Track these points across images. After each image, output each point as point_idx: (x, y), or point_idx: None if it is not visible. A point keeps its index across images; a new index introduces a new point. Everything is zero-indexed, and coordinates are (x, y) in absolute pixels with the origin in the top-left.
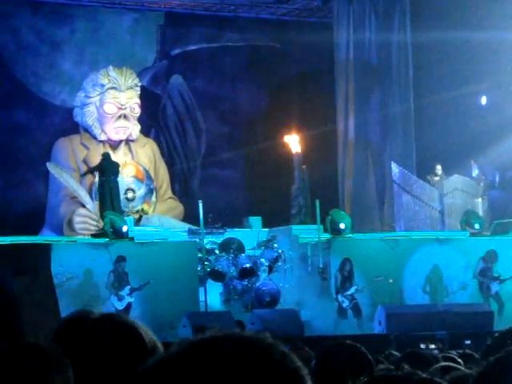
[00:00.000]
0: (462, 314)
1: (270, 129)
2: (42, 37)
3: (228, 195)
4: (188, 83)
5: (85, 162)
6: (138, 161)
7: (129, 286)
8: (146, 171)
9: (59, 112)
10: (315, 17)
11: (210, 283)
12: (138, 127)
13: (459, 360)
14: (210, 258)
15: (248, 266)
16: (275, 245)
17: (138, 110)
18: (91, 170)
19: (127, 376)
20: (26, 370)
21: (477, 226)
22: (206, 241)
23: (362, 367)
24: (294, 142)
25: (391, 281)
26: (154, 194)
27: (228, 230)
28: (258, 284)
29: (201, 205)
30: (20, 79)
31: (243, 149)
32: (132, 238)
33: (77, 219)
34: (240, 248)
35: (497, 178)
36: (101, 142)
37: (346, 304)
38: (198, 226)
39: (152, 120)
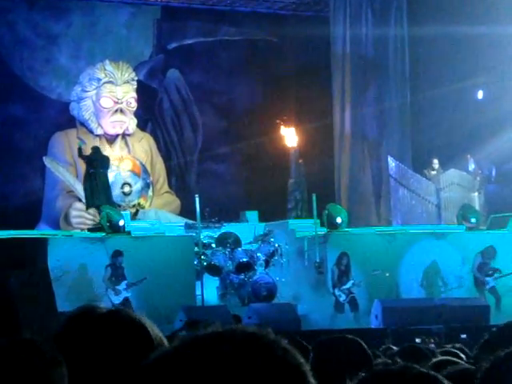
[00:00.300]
0: (458, 308)
1: (266, 123)
2: (39, 31)
3: (225, 189)
4: (185, 77)
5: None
6: (134, 155)
7: (125, 281)
8: (143, 165)
9: (56, 106)
10: (312, 11)
11: (207, 277)
12: (134, 121)
13: (462, 355)
14: (206, 252)
15: (245, 260)
16: (272, 239)
17: (134, 104)
18: (84, 157)
19: (134, 372)
20: (26, 367)
21: (473, 220)
22: (202, 235)
23: (361, 362)
24: (290, 136)
25: (388, 275)
26: (151, 188)
27: (225, 224)
28: (254, 278)
29: (197, 199)
30: (16, 73)
31: (240, 143)
32: (129, 233)
33: (73, 213)
34: (237, 242)
35: (493, 172)
36: (97, 136)
37: (342, 298)
38: (195, 220)
39: (148, 114)
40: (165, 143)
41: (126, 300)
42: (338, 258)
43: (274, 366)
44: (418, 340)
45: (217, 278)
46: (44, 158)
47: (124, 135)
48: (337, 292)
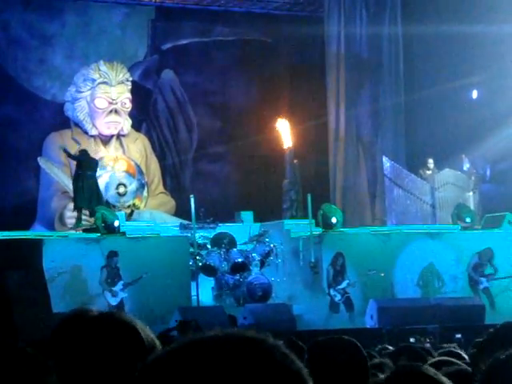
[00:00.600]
0: (453, 307)
1: (261, 123)
2: (33, 31)
3: (220, 190)
4: (179, 77)
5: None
6: (129, 156)
7: (122, 281)
8: (138, 166)
9: (50, 107)
10: (306, 11)
11: (202, 278)
12: (129, 122)
13: (465, 356)
14: (201, 252)
15: (240, 260)
16: (267, 239)
17: (129, 105)
18: (72, 157)
19: (126, 374)
20: (23, 376)
21: (468, 219)
22: (197, 235)
23: (357, 364)
24: (285, 136)
25: (383, 275)
26: (146, 188)
27: (220, 224)
28: (249, 278)
29: (192, 199)
30: (10, 74)
31: (235, 143)
32: (124, 233)
33: (68, 214)
34: (232, 243)
35: (488, 172)
36: (92, 136)
37: (337, 298)
38: (190, 220)
39: (143, 115)
40: (159, 143)
41: (122, 301)
42: (333, 258)
43: (274, 371)
44: (412, 339)
45: (212, 279)
46: (39, 158)
47: (119, 136)
48: (332, 292)
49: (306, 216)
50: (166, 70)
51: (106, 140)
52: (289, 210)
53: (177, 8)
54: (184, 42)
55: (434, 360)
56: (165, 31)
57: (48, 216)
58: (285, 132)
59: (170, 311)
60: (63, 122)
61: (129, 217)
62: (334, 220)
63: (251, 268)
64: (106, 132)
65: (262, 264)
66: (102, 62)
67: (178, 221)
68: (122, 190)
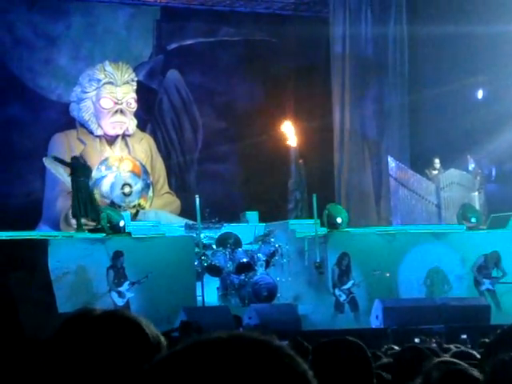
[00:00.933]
0: (458, 307)
1: (266, 123)
2: (38, 32)
3: (225, 190)
4: (184, 78)
5: (81, 157)
6: (134, 156)
7: (128, 281)
8: (143, 166)
9: (55, 107)
10: (311, 11)
11: (207, 278)
12: (134, 122)
13: (478, 356)
14: (207, 252)
15: (245, 260)
16: (272, 239)
17: (134, 105)
18: (64, 163)
19: (132, 372)
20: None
21: (473, 219)
22: (202, 235)
23: (361, 365)
24: (290, 135)
25: (388, 275)
26: (151, 188)
27: (225, 224)
28: (255, 279)
29: (198, 199)
30: (16, 74)
31: (240, 143)
32: (129, 233)
33: None
34: (237, 243)
35: (493, 172)
36: (97, 137)
37: (343, 298)
38: (195, 220)
39: (148, 115)
40: (165, 144)
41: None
42: (338, 258)
43: (279, 374)
44: (416, 340)
45: (217, 279)
46: (44, 158)
47: (124, 136)
48: (337, 292)
49: (312, 216)
50: (172, 70)
51: (111, 140)
52: (294, 210)
53: (182, 8)
54: (189, 42)
55: (435, 360)
56: (170, 31)
57: (53, 216)
58: (290, 132)
59: (176, 311)
60: (68, 122)
61: (134, 217)
62: (339, 220)
63: (256, 268)
64: (112, 132)
65: (268, 264)
66: (107, 63)
67: (183, 221)
68: (127, 190)
